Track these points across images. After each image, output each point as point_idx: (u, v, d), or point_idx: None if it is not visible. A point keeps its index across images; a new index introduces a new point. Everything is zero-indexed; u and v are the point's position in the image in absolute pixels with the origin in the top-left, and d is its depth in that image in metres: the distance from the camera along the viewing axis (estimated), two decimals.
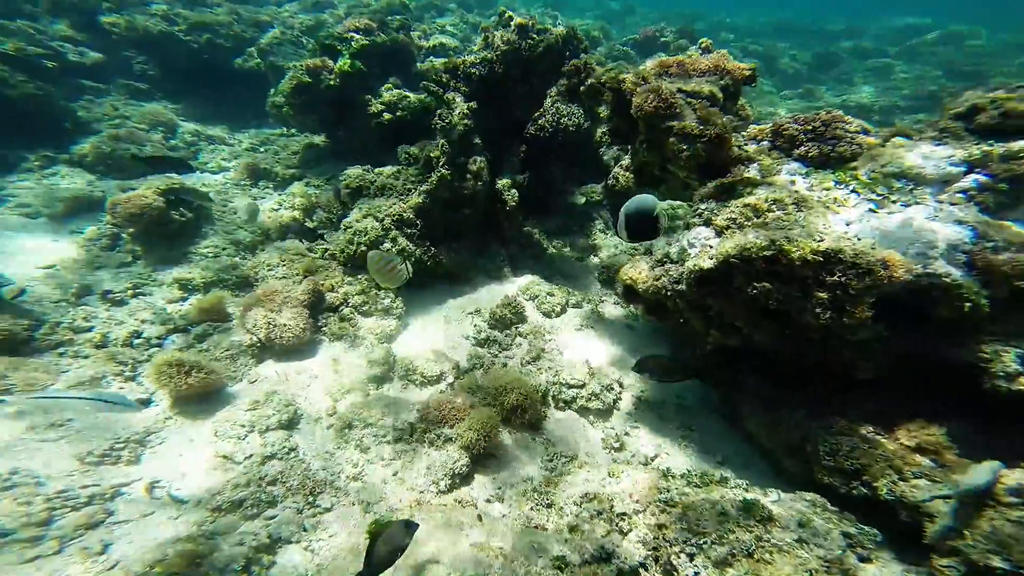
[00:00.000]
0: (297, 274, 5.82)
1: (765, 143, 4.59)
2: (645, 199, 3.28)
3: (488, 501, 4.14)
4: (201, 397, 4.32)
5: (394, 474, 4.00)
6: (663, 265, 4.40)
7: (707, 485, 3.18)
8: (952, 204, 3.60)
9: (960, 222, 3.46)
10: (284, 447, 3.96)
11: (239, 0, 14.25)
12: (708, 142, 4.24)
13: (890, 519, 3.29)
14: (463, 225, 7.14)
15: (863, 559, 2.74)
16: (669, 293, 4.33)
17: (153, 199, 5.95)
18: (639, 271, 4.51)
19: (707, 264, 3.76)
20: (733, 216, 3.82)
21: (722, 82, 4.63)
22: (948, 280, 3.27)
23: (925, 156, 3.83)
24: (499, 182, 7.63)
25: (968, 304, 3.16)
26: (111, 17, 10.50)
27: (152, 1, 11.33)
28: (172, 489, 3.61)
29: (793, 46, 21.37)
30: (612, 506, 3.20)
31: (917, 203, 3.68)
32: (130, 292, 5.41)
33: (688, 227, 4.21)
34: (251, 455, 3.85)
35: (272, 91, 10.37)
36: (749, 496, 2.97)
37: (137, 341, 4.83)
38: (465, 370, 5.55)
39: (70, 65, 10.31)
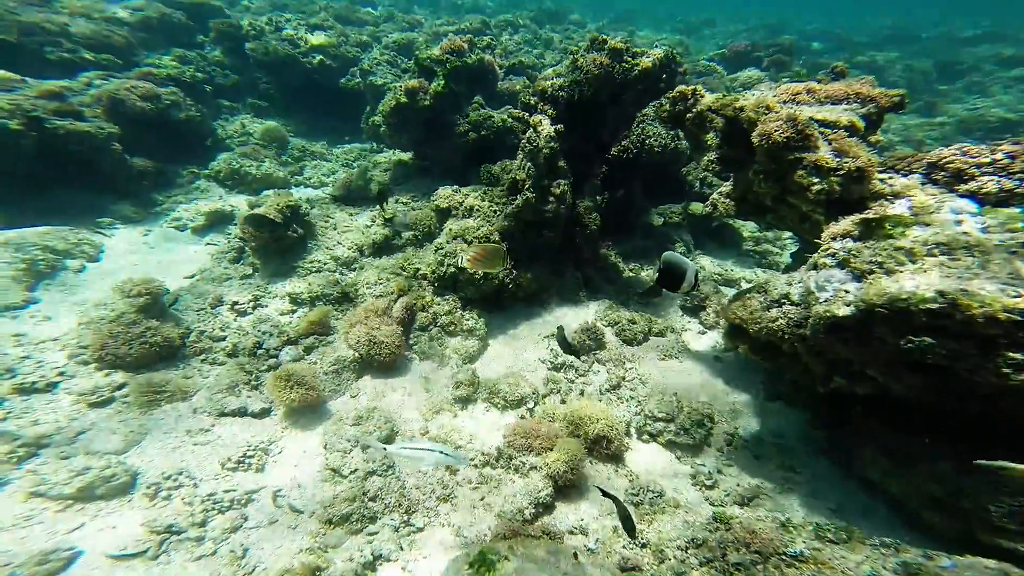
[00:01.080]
0: (392, 292, 6.22)
1: (916, 177, 4.10)
2: (681, 259, 3.69)
3: (572, 532, 4.16)
4: (310, 408, 4.77)
5: (481, 499, 4.15)
6: (780, 306, 4.12)
7: (847, 541, 2.91)
8: None
9: None
10: (384, 464, 4.26)
11: (347, 21, 15.55)
12: (845, 176, 3.86)
13: None
14: (543, 247, 7.20)
15: None
16: (787, 336, 4.04)
17: (275, 215, 6.65)
18: (750, 311, 4.28)
19: (843, 311, 3.40)
20: (879, 260, 3.34)
21: (864, 110, 4.23)
22: None
23: None
24: (580, 204, 7.61)
25: None
26: (253, 44, 11.88)
27: (283, 26, 12.63)
28: (291, 499, 4.01)
29: (904, 55, 19.07)
30: (724, 554, 3.06)
31: None
32: (251, 304, 6.10)
33: (816, 267, 3.89)
34: (355, 469, 4.19)
35: (368, 109, 11.18)
36: (908, 558, 2.66)
37: (259, 351, 5.45)
38: (543, 395, 5.60)
39: (217, 87, 11.90)
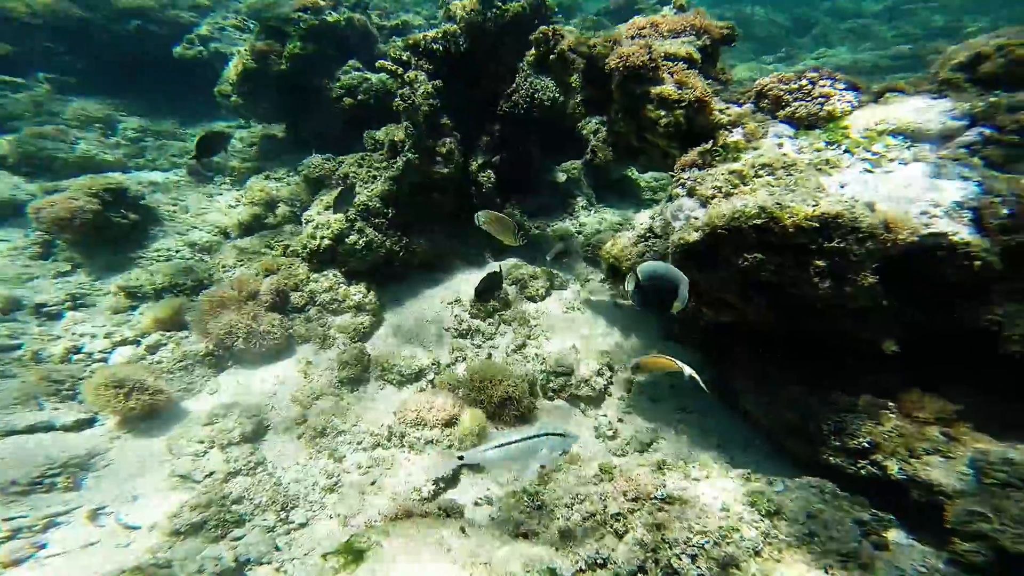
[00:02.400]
0: (257, 274, 5.37)
1: (748, 106, 4.31)
2: (667, 269, 3.06)
3: (477, 504, 3.87)
4: (150, 415, 3.91)
5: (372, 483, 3.67)
6: (646, 240, 4.11)
7: (708, 477, 2.93)
8: (955, 160, 3.36)
9: (965, 178, 3.23)
10: (250, 461, 3.59)
11: None
12: (687, 107, 3.94)
13: (902, 498, 3.11)
14: (436, 211, 6.75)
15: (878, 547, 2.53)
16: None
17: (86, 202, 5.39)
18: (621, 247, 4.21)
19: (693, 237, 3.48)
20: (718, 184, 3.54)
21: (700, 42, 4.32)
22: (955, 239, 3.05)
23: (922, 110, 3.58)
24: (472, 164, 7.24)
25: (978, 263, 2.94)
26: (11, 2, 9.46)
27: None
28: (121, 515, 3.23)
29: (770, 11, 21.10)
30: (606, 507, 2.93)
31: (917, 160, 3.45)
32: (68, 304, 4.90)
33: (671, 198, 3.91)
34: (212, 472, 3.48)
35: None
36: (755, 486, 2.72)
37: (76, 357, 4.36)
38: (447, 364, 5.23)
39: None
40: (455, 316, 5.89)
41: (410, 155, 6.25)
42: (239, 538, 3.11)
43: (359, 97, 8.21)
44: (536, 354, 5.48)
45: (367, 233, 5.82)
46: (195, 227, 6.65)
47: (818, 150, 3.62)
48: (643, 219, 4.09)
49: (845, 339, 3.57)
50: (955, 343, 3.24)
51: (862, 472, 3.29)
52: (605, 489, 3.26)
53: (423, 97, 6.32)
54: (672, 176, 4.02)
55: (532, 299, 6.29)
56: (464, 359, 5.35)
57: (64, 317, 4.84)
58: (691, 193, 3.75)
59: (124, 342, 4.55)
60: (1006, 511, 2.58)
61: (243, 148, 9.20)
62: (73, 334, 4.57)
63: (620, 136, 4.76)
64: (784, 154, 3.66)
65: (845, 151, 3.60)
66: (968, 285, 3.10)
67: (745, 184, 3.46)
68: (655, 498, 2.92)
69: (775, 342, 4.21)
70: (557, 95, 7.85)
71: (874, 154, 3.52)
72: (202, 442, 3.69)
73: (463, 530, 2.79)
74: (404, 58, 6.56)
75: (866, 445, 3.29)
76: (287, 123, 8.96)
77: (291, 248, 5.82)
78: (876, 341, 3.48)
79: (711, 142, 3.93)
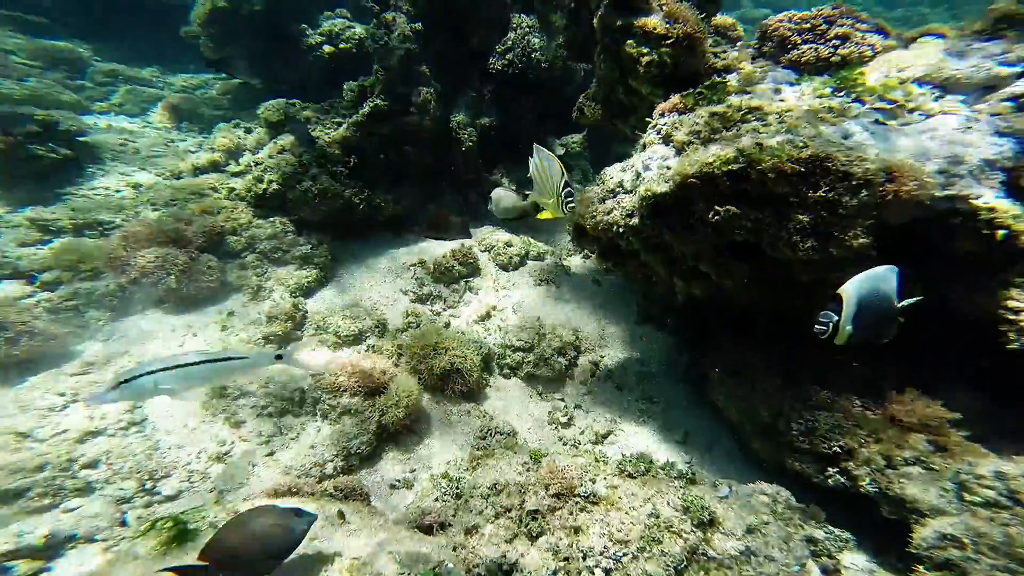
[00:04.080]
0: (195, 213, 4.83)
1: (749, 51, 3.70)
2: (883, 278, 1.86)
3: (394, 487, 3.36)
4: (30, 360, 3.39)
5: (270, 454, 3.15)
6: (615, 196, 3.53)
7: (644, 474, 2.39)
8: (994, 114, 2.74)
9: (1003, 133, 2.61)
10: (121, 421, 3.08)
11: None
12: (675, 45, 3.33)
13: (872, 514, 2.57)
14: (407, 166, 6.18)
15: (828, 571, 1.99)
16: (622, 230, 3.47)
17: None
18: (586, 205, 3.63)
19: (661, 188, 2.89)
20: (696, 129, 2.94)
21: None
22: (976, 203, 2.46)
23: (962, 54, 2.94)
24: (454, 119, 6.65)
25: (1002, 232, 2.35)
26: None
27: None
28: None
29: None
30: (523, 502, 2.40)
31: (944, 113, 2.83)
32: None
33: (644, 147, 3.32)
34: (64, 431, 2.97)
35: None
36: (694, 493, 2.18)
37: None
38: (399, 329, 4.71)
39: None
40: (416, 278, 5.37)
41: (378, 101, 5.67)
42: (73, 509, 2.60)
43: (340, 46, 7.62)
44: (499, 327, 4.96)
45: (322, 180, 5.27)
46: (143, 168, 6.12)
47: (822, 96, 3.01)
48: (614, 172, 3.50)
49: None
50: (958, 334, 2.66)
51: (829, 481, 2.75)
52: (528, 480, 2.73)
53: (399, 39, 5.73)
54: (649, 122, 3.42)
55: (505, 268, 5.76)
56: (418, 326, 4.82)
57: None
58: (666, 140, 3.16)
59: (12, 275, 4.00)
60: (985, 537, 2.03)
61: (216, 96, 8.64)
62: None
63: (605, 83, 4.16)
64: (781, 100, 3.06)
65: (855, 99, 2.99)
66: (984, 261, 2.52)
67: (728, 129, 2.86)
68: (579, 495, 2.39)
69: (759, 326, 3.65)
70: (554, 56, 7.20)
71: (890, 103, 2.91)
72: (62, 395, 3.17)
73: (341, 515, 2.27)
74: None
75: (837, 450, 2.74)
76: (264, 71, 8.36)
77: (236, 192, 5.28)
78: None
79: (698, 86, 3.33)
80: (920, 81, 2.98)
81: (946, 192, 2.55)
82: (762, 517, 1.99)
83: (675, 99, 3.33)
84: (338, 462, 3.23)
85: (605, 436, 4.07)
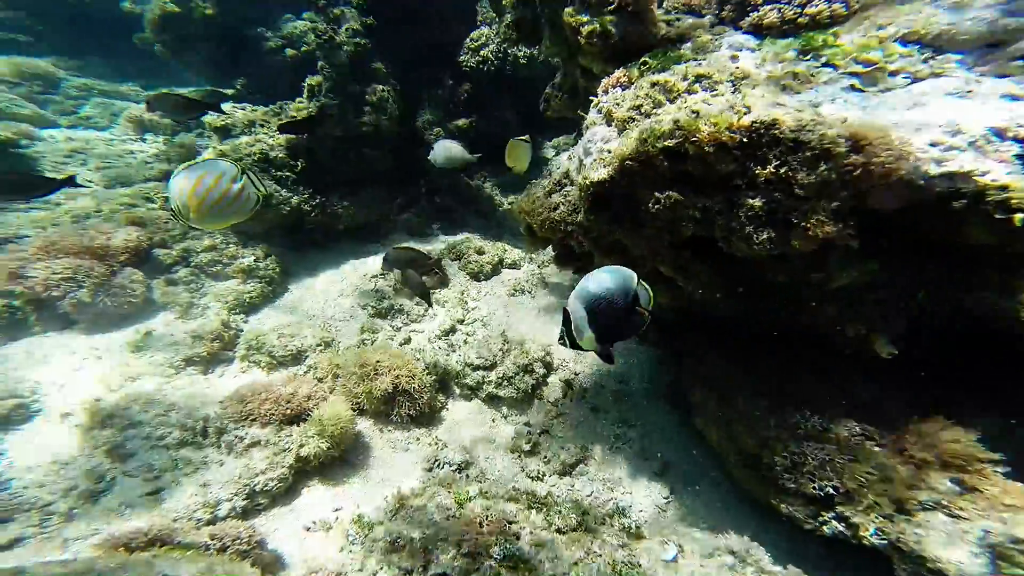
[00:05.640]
0: (121, 224, 4.47)
1: (708, 18, 3.24)
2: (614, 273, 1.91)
3: (308, 529, 2.89)
4: None
5: (151, 492, 2.71)
6: (561, 189, 3.08)
7: (575, 528, 1.90)
8: (1002, 75, 2.25)
9: (1014, 97, 2.11)
10: None
11: None
12: (617, 11, 2.88)
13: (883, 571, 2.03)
14: (367, 170, 5.81)
15: None
16: (571, 228, 3.02)
17: None
18: (532, 200, 3.18)
19: (599, 174, 2.43)
20: (638, 103, 2.48)
21: None
22: (983, 180, 1.95)
23: (958, 5, 2.45)
24: (420, 119, 6.28)
25: (1021, 216, 1.83)
26: None
27: None
28: None
29: None
30: (428, 563, 1.93)
31: (936, 75, 2.34)
32: None
33: (588, 129, 2.87)
34: None
35: None
36: (631, 556, 1.68)
37: None
38: (350, 347, 4.30)
39: None
40: (376, 291, 4.96)
41: (327, 100, 5.32)
42: None
43: (302, 49, 7.32)
44: (466, 342, 4.52)
45: (265, 187, 4.89)
46: (89, 182, 5.82)
47: (784, 61, 2.52)
48: (562, 161, 3.04)
49: (828, 335, 2.49)
50: (976, 344, 2.13)
51: (825, 529, 2.21)
52: (446, 528, 2.25)
53: (347, 34, 5.39)
54: (591, 101, 2.97)
55: (476, 277, 5.33)
56: (373, 343, 4.40)
57: None
58: (608, 119, 2.70)
59: None
60: None
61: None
62: None
63: (564, 68, 3.73)
64: (736, 67, 2.58)
65: (825, 63, 2.50)
66: (1005, 255, 2.00)
67: (672, 101, 2.39)
68: (494, 557, 1.91)
69: (745, 338, 3.15)
70: (536, 53, 6.77)
71: (867, 66, 2.41)
72: None
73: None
74: None
75: (831, 491, 2.20)
76: (231, 79, 8.09)
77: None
78: (866, 338, 2.38)
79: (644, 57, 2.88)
80: (905, 40, 2.49)
81: (943, 169, 2.03)
82: None
83: (618, 72, 2.88)
84: (237, 502, 2.78)
85: (573, 466, 3.53)
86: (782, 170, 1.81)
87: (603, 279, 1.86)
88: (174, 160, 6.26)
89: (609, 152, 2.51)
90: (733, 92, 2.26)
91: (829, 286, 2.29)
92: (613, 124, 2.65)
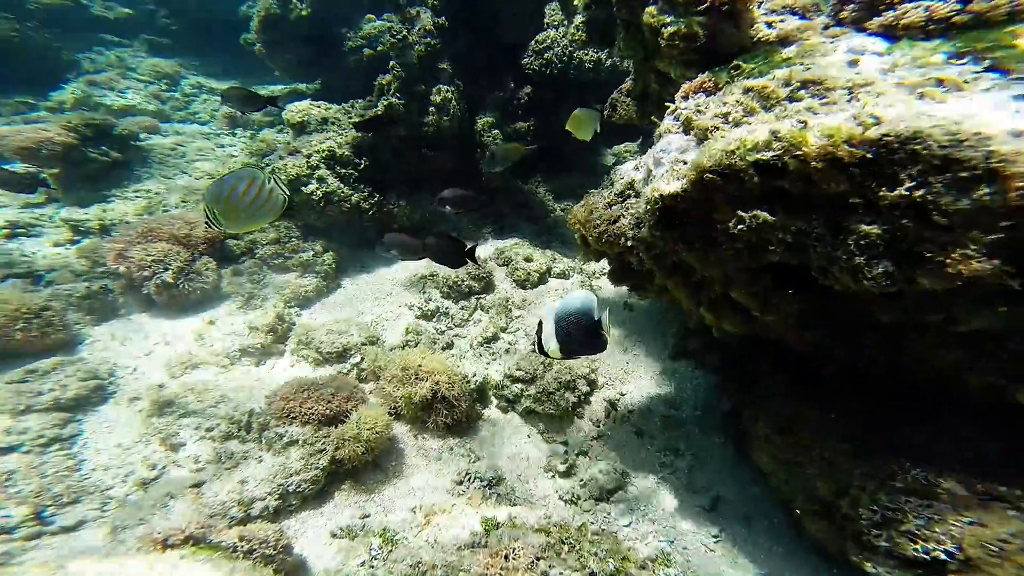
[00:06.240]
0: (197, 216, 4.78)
1: (823, 18, 2.74)
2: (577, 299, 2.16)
3: (335, 535, 2.85)
4: None
5: (194, 485, 2.78)
6: (624, 201, 2.77)
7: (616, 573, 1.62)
8: None
9: None
10: (42, 436, 2.86)
11: None
12: (709, 11, 2.50)
13: None
14: (426, 170, 5.79)
15: None
16: (630, 243, 2.70)
17: (56, 134, 5.17)
18: (590, 210, 2.90)
19: (671, 187, 2.10)
20: (725, 111, 2.11)
21: None
22: None
23: None
24: (480, 121, 6.17)
25: None
26: None
27: None
28: None
29: None
30: None
31: None
32: (4, 232, 4.66)
33: (660, 138, 2.53)
34: None
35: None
36: None
37: None
38: (398, 346, 4.29)
39: (93, 18, 10.27)
40: (423, 293, 4.93)
41: (394, 100, 5.35)
42: None
43: (378, 49, 7.48)
44: (508, 351, 4.35)
45: (328, 183, 5.01)
46: (184, 172, 6.35)
47: (927, 65, 2.00)
48: (626, 171, 2.73)
49: (941, 378, 2.00)
50: None
51: None
52: (465, 563, 2.07)
53: (419, 34, 5.38)
54: (668, 107, 2.62)
55: (522, 285, 5.14)
56: (417, 344, 4.35)
57: None
58: (687, 126, 2.35)
59: (20, 274, 4.09)
60: None
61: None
62: None
63: (636, 72, 3.41)
64: (855, 72, 2.11)
65: (989, 68, 1.95)
66: None
67: (769, 109, 2.00)
68: None
69: (824, 375, 2.70)
70: (604, 56, 6.41)
71: None
72: None
73: None
74: None
75: (941, 556, 1.76)
76: (315, 79, 8.50)
77: None
78: (1002, 387, 1.88)
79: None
80: None
81: None
82: None
83: (702, 77, 2.51)
84: (271, 502, 2.79)
85: (612, 492, 3.26)
86: (917, 193, 1.38)
87: (574, 301, 2.10)
88: (255, 153, 6.63)
89: (685, 163, 2.16)
90: (849, 101, 1.83)
91: (951, 329, 1.79)
92: (692, 133, 2.29)
